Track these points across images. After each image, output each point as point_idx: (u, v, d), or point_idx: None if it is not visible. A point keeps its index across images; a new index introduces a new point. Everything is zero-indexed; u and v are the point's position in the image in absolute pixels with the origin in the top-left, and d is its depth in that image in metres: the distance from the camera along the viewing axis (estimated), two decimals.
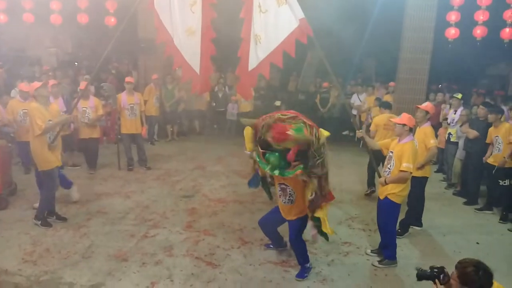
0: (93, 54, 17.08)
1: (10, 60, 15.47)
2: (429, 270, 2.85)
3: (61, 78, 11.40)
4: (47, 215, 6.23)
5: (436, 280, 2.79)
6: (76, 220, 6.34)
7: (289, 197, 4.74)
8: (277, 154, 4.33)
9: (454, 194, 8.32)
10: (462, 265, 2.72)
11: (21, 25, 12.67)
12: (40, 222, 6.08)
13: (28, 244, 5.55)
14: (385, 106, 7.99)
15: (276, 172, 4.36)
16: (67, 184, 6.84)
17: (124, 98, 8.90)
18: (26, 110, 6.96)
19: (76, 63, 17.29)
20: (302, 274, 4.95)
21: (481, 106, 7.74)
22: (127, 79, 9.27)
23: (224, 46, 10.53)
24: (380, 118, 7.77)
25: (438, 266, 2.88)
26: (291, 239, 4.94)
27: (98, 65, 6.70)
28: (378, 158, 6.43)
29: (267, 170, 4.41)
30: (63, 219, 6.30)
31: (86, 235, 5.86)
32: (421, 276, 2.87)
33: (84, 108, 8.52)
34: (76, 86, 11.38)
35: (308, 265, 5.02)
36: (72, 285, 4.64)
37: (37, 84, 5.98)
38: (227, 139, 12.57)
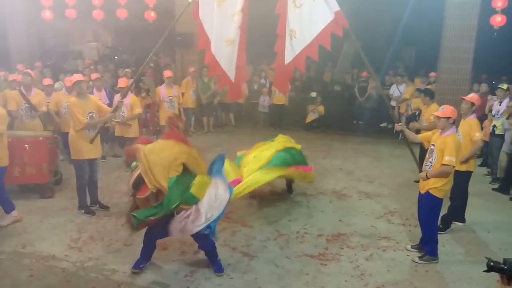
0: (132, 48, 17.50)
1: (55, 55, 16.07)
2: (503, 264, 2.60)
3: (103, 71, 11.72)
4: (91, 204, 6.47)
5: (504, 276, 2.57)
6: (118, 209, 6.51)
7: None
8: None
9: (494, 190, 7.95)
10: None
11: (65, 21, 13.11)
12: (83, 210, 6.33)
13: (74, 231, 5.78)
14: (429, 94, 7.71)
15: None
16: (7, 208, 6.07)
17: (163, 91, 9.07)
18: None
19: (116, 57, 17.73)
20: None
21: None
22: (166, 73, 9.42)
23: (259, 39, 10.52)
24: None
25: None
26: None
27: (145, 64, 6.83)
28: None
29: None
30: (106, 208, 6.52)
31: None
32: (493, 267, 2.64)
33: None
34: (117, 80, 11.68)
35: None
36: (114, 271, 4.80)
37: (75, 78, 6.16)
38: (261, 130, 12.59)
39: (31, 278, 4.62)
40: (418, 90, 11.21)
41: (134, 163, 4.50)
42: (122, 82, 8.22)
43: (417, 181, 7.19)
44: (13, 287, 4.46)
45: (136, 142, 4.68)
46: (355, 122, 13.50)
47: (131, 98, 8.37)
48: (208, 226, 4.52)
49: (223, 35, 6.16)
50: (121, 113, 8.26)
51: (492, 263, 2.61)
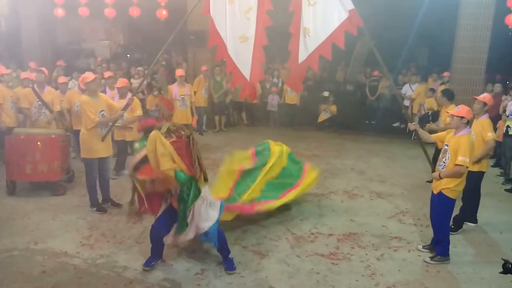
0: (145, 46, 17.60)
1: (67, 53, 16.21)
2: None
3: (115, 70, 11.80)
4: (102, 201, 6.52)
5: None
6: None
7: None
8: None
9: (506, 190, 7.87)
10: None
11: (77, 19, 13.23)
12: (95, 208, 6.37)
13: (85, 228, 5.83)
14: (447, 95, 7.51)
15: None
16: None
17: (175, 89, 9.10)
18: None
19: (128, 55, 17.84)
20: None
21: None
22: (178, 72, 9.42)
23: (272, 37, 10.48)
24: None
25: None
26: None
27: (155, 61, 6.86)
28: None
29: None
30: (118, 206, 6.56)
31: (139, 221, 6.02)
32: (510, 269, 2.61)
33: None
34: (129, 78, 11.73)
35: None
36: (126, 268, 4.83)
37: (86, 78, 6.16)
38: (273, 129, 12.58)
39: (43, 275, 4.66)
40: (432, 89, 11.14)
41: (138, 145, 4.54)
42: (120, 82, 8.04)
43: (430, 182, 7.10)
44: (25, 283, 4.50)
45: (141, 122, 4.78)
46: (367, 122, 13.43)
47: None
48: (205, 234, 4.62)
49: (236, 31, 6.12)
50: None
51: (510, 265, 2.58)
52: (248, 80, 6.31)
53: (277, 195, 6.07)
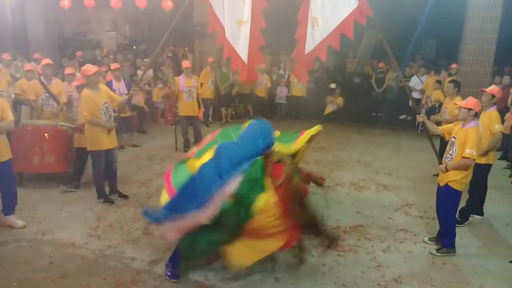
0: (151, 38, 17.58)
1: (73, 44, 16.22)
2: None
3: (122, 61, 11.81)
4: (110, 193, 6.56)
5: None
6: (137, 198, 6.62)
7: None
8: None
9: None
10: None
11: (83, 10, 13.22)
12: (102, 199, 6.41)
13: (93, 219, 5.87)
14: (458, 86, 7.30)
15: None
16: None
17: (182, 81, 9.07)
18: None
19: (134, 47, 17.82)
20: None
21: None
22: (184, 64, 9.39)
23: (278, 28, 10.42)
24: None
25: None
26: None
27: (157, 51, 6.83)
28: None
29: None
30: (125, 197, 6.60)
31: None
32: None
33: (77, 107, 6.69)
34: (136, 69, 11.74)
35: None
36: (133, 259, 4.87)
37: (87, 70, 6.07)
38: (278, 121, 12.55)
39: (51, 265, 4.71)
40: (438, 81, 11.04)
41: None
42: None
43: (436, 175, 7.06)
44: (34, 273, 4.55)
45: None
46: (374, 114, 13.37)
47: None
48: None
49: (233, 16, 6.10)
50: (77, 115, 6.60)
51: None
52: (246, 63, 6.29)
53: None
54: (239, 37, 6.21)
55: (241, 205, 3.86)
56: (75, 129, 6.65)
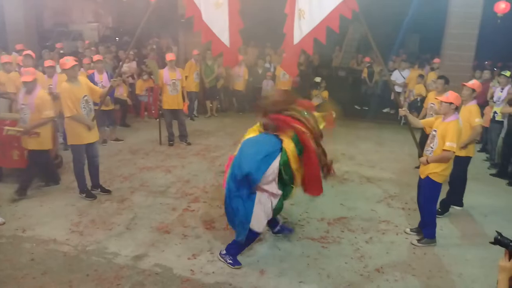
0: (134, 29, 17.36)
1: (53, 35, 15.89)
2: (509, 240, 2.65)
3: (104, 53, 11.64)
4: (92, 188, 6.47)
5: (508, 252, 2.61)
6: (120, 193, 6.56)
7: None
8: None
9: (492, 175, 8.03)
10: None
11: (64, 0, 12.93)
12: (84, 194, 6.30)
13: (75, 215, 5.78)
14: (448, 82, 7.27)
15: None
16: None
17: (166, 74, 8.96)
18: None
19: (117, 38, 17.59)
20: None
21: None
22: (168, 56, 9.27)
23: (264, 22, 10.40)
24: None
25: None
26: None
27: (133, 40, 6.75)
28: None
29: None
30: (108, 192, 6.51)
31: (129, 207, 6.07)
32: (499, 241, 2.68)
33: (23, 105, 6.10)
34: (119, 61, 11.58)
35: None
36: (116, 255, 4.82)
37: (65, 64, 5.88)
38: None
39: (32, 262, 4.61)
40: (421, 76, 11.20)
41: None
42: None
43: (418, 167, 7.18)
44: (14, 271, 4.44)
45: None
46: (358, 107, 13.47)
47: (37, 96, 5.98)
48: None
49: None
50: (24, 115, 6.07)
51: (500, 237, 2.66)
52: (228, 46, 6.26)
53: None
54: (217, 20, 6.14)
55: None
56: (23, 132, 6.05)
